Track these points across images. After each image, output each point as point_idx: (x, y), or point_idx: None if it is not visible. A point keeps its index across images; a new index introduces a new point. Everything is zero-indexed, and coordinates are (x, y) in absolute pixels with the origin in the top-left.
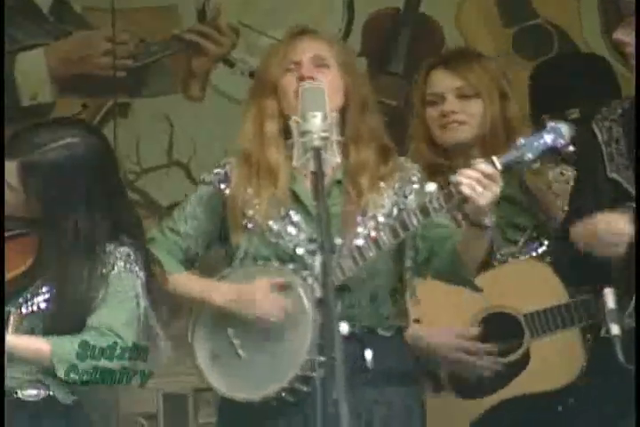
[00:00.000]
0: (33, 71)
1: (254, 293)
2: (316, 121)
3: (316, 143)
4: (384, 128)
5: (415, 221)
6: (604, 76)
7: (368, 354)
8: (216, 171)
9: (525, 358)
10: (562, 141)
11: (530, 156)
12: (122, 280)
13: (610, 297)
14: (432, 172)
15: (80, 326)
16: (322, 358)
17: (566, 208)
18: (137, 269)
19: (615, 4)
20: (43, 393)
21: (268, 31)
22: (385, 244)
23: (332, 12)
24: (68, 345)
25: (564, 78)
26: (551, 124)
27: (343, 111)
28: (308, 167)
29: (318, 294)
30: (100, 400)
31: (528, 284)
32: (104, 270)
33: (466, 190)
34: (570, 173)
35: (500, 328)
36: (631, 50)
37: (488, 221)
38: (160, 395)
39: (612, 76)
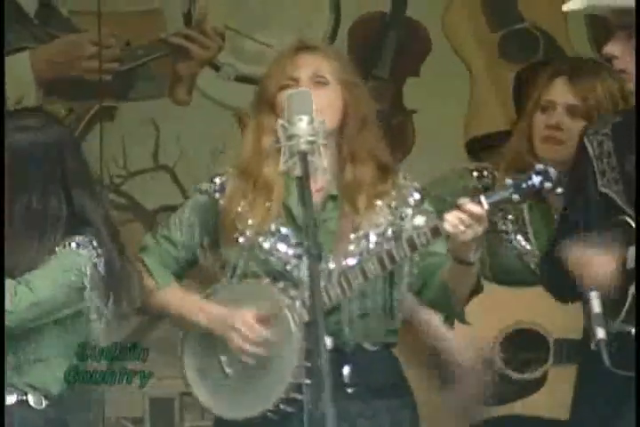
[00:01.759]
0: (18, 75)
1: (238, 323)
2: (303, 125)
3: (303, 147)
4: (384, 146)
5: (402, 254)
6: None
7: (346, 370)
8: (213, 180)
9: (542, 380)
10: (549, 185)
11: (516, 197)
12: (67, 255)
13: (595, 301)
14: (519, 168)
15: None
16: (307, 381)
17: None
18: (93, 253)
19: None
20: (15, 398)
21: (254, 35)
22: (372, 273)
23: (318, 15)
24: None
25: None
26: (540, 166)
27: (341, 128)
28: (295, 171)
29: (306, 317)
30: (82, 404)
31: (560, 307)
32: (56, 248)
33: (447, 227)
34: None
35: (527, 345)
36: (620, 65)
37: (472, 257)
38: (146, 399)
39: None
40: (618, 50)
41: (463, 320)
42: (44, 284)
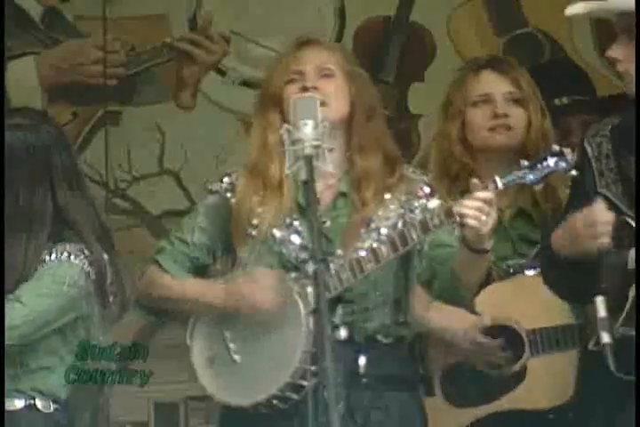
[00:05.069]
0: (23, 79)
1: (250, 282)
2: (308, 129)
3: (308, 151)
4: (390, 137)
5: (415, 236)
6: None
7: (362, 360)
8: (223, 180)
9: (522, 374)
10: (564, 165)
11: (531, 178)
12: (55, 264)
13: (601, 305)
14: (460, 172)
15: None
16: (313, 368)
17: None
18: (85, 262)
19: None
20: (24, 403)
21: (259, 39)
22: (383, 257)
23: (323, 20)
24: None
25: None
26: (556, 147)
27: (349, 120)
28: (299, 175)
29: (314, 303)
30: (87, 408)
31: (535, 299)
32: (47, 258)
33: (471, 222)
34: None
35: (501, 340)
36: (624, 68)
37: (488, 244)
38: (151, 403)
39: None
40: (621, 53)
41: (473, 311)
42: (36, 298)
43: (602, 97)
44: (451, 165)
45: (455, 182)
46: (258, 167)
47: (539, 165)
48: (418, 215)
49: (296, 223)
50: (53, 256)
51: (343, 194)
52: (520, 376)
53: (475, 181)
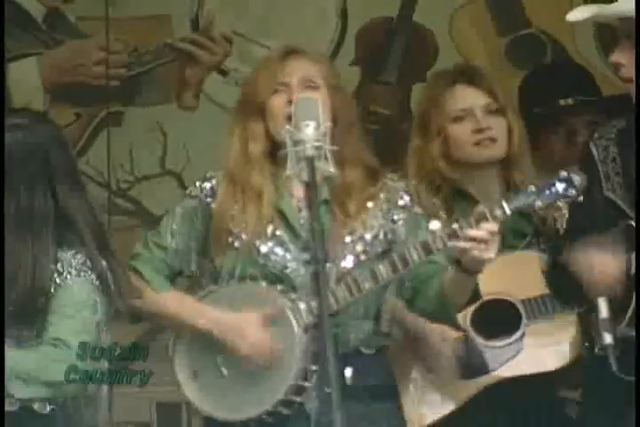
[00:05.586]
0: (25, 80)
1: (242, 330)
2: (310, 130)
3: (310, 152)
4: (370, 149)
5: (416, 257)
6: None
7: (347, 372)
8: (202, 184)
9: (521, 342)
10: (573, 192)
11: (539, 203)
12: (74, 290)
13: (603, 306)
14: (443, 186)
15: (35, 316)
16: (307, 384)
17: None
18: (93, 277)
19: None
20: (19, 404)
21: (261, 40)
22: (382, 277)
23: (325, 21)
24: (23, 363)
25: (553, 84)
26: (564, 173)
27: (330, 133)
28: (301, 176)
29: (307, 319)
30: (88, 409)
31: (524, 272)
32: (58, 279)
33: (475, 253)
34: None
35: (498, 312)
36: (627, 73)
37: (482, 267)
38: (154, 404)
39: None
40: (624, 58)
41: (458, 327)
42: (76, 336)
43: (607, 97)
44: (433, 180)
45: (437, 196)
46: (237, 176)
47: (547, 191)
48: (402, 227)
49: (278, 233)
50: (65, 275)
51: (325, 201)
52: (520, 344)
53: (481, 207)
